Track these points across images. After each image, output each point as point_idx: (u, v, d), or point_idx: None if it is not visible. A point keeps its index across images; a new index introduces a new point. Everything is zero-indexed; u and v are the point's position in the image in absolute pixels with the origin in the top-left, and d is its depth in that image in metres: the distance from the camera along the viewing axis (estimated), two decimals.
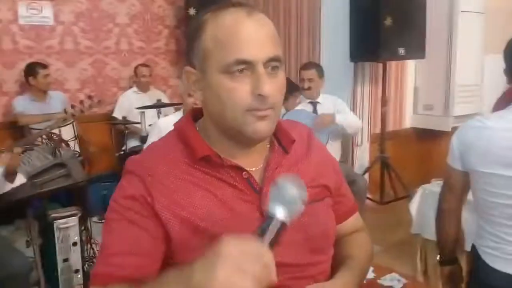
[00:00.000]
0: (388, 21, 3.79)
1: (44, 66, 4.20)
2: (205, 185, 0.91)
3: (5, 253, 2.36)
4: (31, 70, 4.14)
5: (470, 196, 2.35)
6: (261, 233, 0.73)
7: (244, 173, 0.94)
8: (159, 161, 0.93)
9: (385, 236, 3.67)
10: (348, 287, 0.99)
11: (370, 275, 2.08)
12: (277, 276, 0.72)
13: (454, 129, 4.45)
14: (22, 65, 4.42)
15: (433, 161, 4.78)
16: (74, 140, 4.01)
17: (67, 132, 3.92)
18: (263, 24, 0.89)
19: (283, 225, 0.74)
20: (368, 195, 4.34)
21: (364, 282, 1.94)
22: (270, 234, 0.73)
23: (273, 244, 0.73)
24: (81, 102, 2.56)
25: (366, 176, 4.28)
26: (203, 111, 0.98)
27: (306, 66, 3.74)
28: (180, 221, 0.89)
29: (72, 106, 2.53)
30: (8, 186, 2.40)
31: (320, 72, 3.66)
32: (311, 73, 3.64)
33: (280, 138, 1.01)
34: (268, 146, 0.99)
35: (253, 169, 0.96)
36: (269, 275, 0.69)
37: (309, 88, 3.62)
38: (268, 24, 0.90)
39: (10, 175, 2.37)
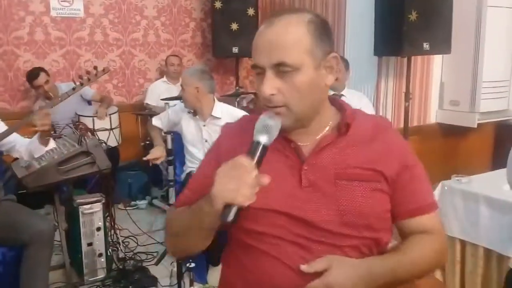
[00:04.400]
0: (413, 16, 3.73)
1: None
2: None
3: (28, 217, 2.45)
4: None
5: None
6: (250, 155, 0.99)
7: (292, 143, 1.11)
8: (240, 126, 1.21)
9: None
10: (371, 271, 1.03)
11: None
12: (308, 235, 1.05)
13: (480, 125, 4.42)
14: (52, 56, 4.58)
15: (458, 157, 4.71)
16: (119, 128, 4.19)
17: (114, 121, 4.17)
18: (275, 33, 1.03)
19: (263, 146, 1.00)
20: None
21: None
22: (255, 155, 0.99)
23: (258, 162, 0.99)
24: (88, 72, 2.61)
25: None
26: None
27: None
28: None
29: (80, 77, 2.58)
30: (43, 150, 2.48)
31: (346, 64, 3.65)
32: None
33: (340, 122, 1.14)
34: (328, 127, 1.14)
35: (304, 144, 1.11)
36: (254, 179, 0.94)
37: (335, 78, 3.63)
38: (282, 32, 1.03)
39: (44, 137, 2.44)
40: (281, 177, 1.07)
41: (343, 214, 1.06)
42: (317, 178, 1.07)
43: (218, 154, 1.16)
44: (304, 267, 1.03)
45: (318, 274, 1.01)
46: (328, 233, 1.05)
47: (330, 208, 1.06)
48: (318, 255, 1.04)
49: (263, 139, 1.00)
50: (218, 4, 4.85)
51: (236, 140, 1.14)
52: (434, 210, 1.17)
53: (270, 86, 1.03)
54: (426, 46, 3.83)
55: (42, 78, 4.10)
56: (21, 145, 2.52)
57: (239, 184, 0.93)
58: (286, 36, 1.02)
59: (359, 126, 1.13)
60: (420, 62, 4.57)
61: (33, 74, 4.14)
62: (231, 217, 0.94)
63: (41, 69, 4.20)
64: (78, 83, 2.54)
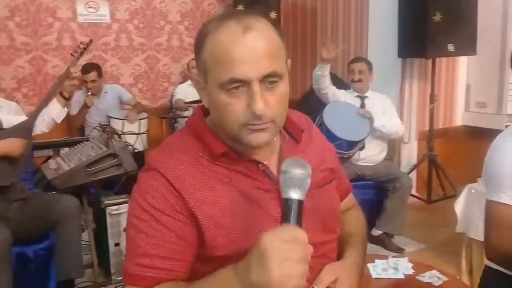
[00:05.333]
0: (438, 17, 3.71)
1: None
2: (226, 179, 0.96)
3: (54, 198, 2.63)
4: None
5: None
6: (286, 218, 0.81)
7: (259, 165, 0.98)
8: (182, 159, 0.96)
9: (430, 234, 3.62)
10: (358, 263, 1.10)
11: (409, 271, 2.08)
12: None
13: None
14: (80, 61, 4.66)
15: None
16: (146, 133, 4.28)
17: (143, 126, 4.26)
18: (259, 40, 0.89)
19: (300, 203, 0.82)
20: (416, 194, 4.28)
21: (403, 277, 1.96)
22: (294, 216, 0.80)
23: (299, 222, 0.81)
24: (78, 46, 3.06)
25: (413, 174, 4.21)
26: None
27: (356, 59, 3.74)
28: (206, 217, 0.93)
29: (72, 55, 3.02)
30: (64, 112, 2.80)
31: (370, 66, 3.65)
32: (362, 65, 3.61)
33: (290, 129, 1.06)
34: (278, 138, 1.04)
35: (266, 162, 1.00)
36: (310, 252, 0.79)
37: (359, 80, 3.58)
38: (265, 38, 0.90)
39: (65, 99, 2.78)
40: (265, 208, 0.96)
41: (323, 222, 1.05)
42: None
43: (180, 201, 0.93)
44: None
45: None
46: (317, 245, 0.96)
47: (313, 221, 1.01)
48: (315, 270, 1.02)
49: (297, 195, 0.82)
50: (240, 8, 4.89)
51: (191, 175, 0.95)
52: (351, 187, 1.28)
53: (263, 101, 0.88)
54: (451, 47, 3.80)
55: (91, 76, 4.27)
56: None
57: (305, 265, 0.78)
58: (270, 42, 0.90)
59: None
60: (445, 63, 4.54)
61: (86, 69, 4.29)
62: None
63: (96, 68, 4.35)
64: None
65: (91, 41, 3.15)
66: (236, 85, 0.88)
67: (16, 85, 4.52)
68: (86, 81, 4.30)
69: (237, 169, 0.97)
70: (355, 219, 1.23)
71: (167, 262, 0.92)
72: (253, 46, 0.88)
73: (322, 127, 3.27)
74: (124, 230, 2.90)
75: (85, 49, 3.09)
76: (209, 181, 0.95)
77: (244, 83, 0.88)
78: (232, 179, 0.96)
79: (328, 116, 3.32)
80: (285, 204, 0.82)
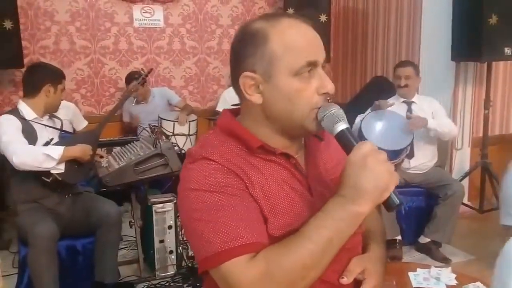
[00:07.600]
0: (494, 19, 3.56)
1: None
2: (267, 168, 1.01)
3: (99, 203, 2.76)
4: None
5: None
6: (351, 143, 0.94)
7: (291, 159, 1.04)
8: (224, 149, 1.00)
9: (481, 245, 3.47)
10: (381, 256, 1.14)
11: (452, 282, 2.01)
12: None
13: None
14: (134, 64, 4.89)
15: None
16: (195, 135, 4.41)
17: (192, 128, 4.39)
18: (314, 30, 1.02)
19: (349, 129, 0.96)
20: (467, 202, 4.12)
21: None
22: (354, 138, 0.95)
23: (357, 141, 0.94)
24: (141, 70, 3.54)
25: (465, 181, 4.05)
26: (243, 110, 1.07)
27: (402, 64, 3.59)
28: (258, 197, 0.97)
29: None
30: (51, 163, 2.46)
31: (417, 70, 3.52)
32: (408, 70, 3.46)
33: None
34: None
35: (296, 156, 1.06)
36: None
37: (406, 86, 3.44)
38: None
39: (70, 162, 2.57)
40: (299, 192, 1.03)
41: None
42: (323, 188, 1.06)
43: (238, 178, 0.97)
44: (345, 280, 1.04)
45: (355, 280, 1.06)
46: None
47: None
48: (344, 262, 1.06)
49: (344, 125, 0.96)
50: (290, 11, 4.90)
51: (236, 160, 0.99)
52: None
53: None
54: (507, 51, 3.64)
55: (133, 86, 4.36)
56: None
57: (392, 165, 0.90)
58: None
59: None
60: (503, 67, 4.34)
61: (129, 79, 4.43)
62: (397, 199, 0.90)
63: (136, 78, 4.27)
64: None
65: (151, 69, 3.76)
66: (310, 68, 0.97)
67: (75, 86, 4.77)
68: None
69: (275, 160, 1.03)
70: (371, 216, 1.21)
71: (259, 225, 0.94)
72: (315, 34, 1.01)
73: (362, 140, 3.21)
74: (169, 227, 2.99)
75: (146, 76, 3.53)
76: (253, 167, 1.00)
77: (314, 66, 0.98)
78: (271, 168, 1.02)
79: (366, 128, 3.26)
80: (342, 135, 0.95)
